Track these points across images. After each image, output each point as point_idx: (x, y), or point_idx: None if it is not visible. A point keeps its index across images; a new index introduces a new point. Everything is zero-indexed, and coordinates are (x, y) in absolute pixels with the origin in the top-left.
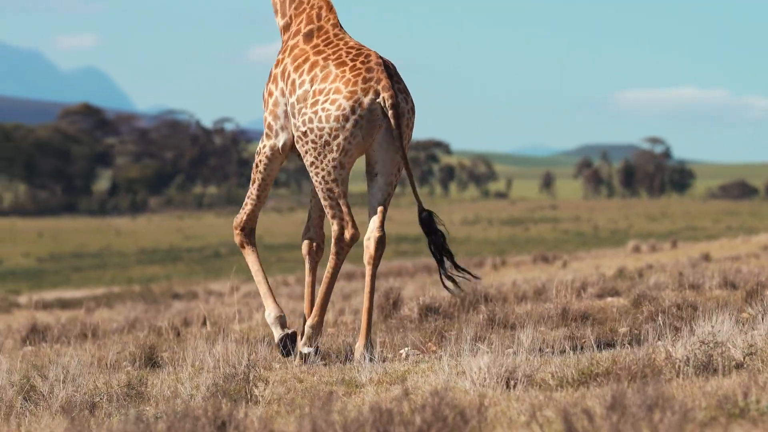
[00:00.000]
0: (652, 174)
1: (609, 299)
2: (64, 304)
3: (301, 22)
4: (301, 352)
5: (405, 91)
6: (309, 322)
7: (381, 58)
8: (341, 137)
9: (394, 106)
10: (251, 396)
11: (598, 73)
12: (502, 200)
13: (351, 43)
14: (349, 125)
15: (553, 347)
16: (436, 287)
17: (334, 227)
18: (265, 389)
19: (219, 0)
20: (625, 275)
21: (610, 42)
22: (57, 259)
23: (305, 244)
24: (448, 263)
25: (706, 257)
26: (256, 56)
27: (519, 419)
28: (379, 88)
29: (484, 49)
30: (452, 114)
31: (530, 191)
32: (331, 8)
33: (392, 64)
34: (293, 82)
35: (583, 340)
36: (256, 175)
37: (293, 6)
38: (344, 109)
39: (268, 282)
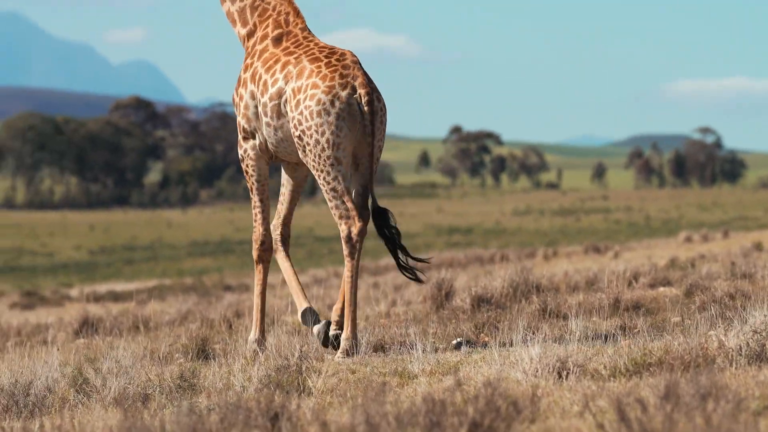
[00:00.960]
0: (703, 164)
1: (661, 289)
2: (115, 297)
3: (267, 27)
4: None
5: (377, 91)
6: (345, 334)
7: (355, 56)
8: (328, 132)
9: (369, 103)
10: (304, 387)
11: (649, 63)
12: (554, 191)
13: (321, 44)
14: (331, 119)
15: (605, 337)
16: (488, 278)
17: (343, 228)
18: (317, 380)
19: None
20: (677, 265)
21: (661, 32)
22: (108, 251)
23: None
24: (401, 256)
25: (758, 247)
26: None
27: (572, 409)
28: (356, 84)
29: (536, 40)
30: (503, 105)
31: (581, 182)
32: (298, 13)
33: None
34: (265, 82)
35: (636, 330)
36: (251, 183)
37: (256, 14)
38: (324, 103)
39: (264, 309)
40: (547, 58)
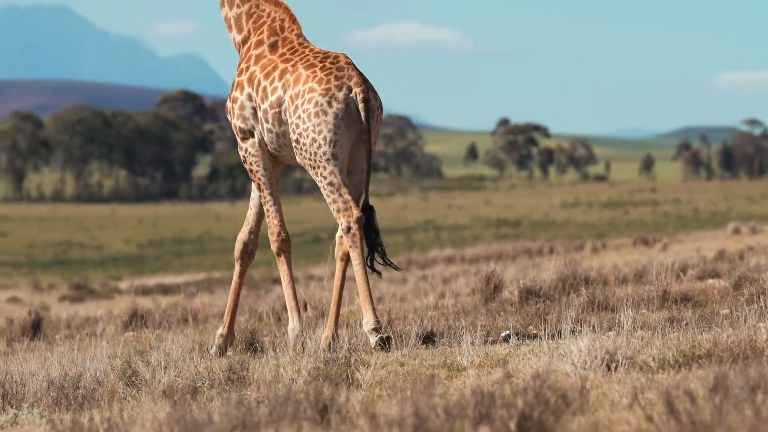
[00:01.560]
0: (752, 156)
1: (710, 281)
2: (164, 290)
3: (261, 33)
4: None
5: (374, 90)
6: (369, 322)
7: (349, 58)
8: (326, 130)
9: (365, 101)
10: (353, 380)
11: (696, 54)
12: (602, 183)
13: (316, 50)
14: (329, 118)
15: (654, 329)
16: (536, 270)
17: (342, 221)
18: (366, 373)
19: None
20: (726, 257)
21: (708, 23)
22: (157, 245)
23: (241, 247)
24: (377, 257)
25: None
26: (355, 40)
27: (621, 402)
28: (351, 84)
29: (584, 32)
30: (551, 97)
31: (629, 174)
32: (294, 20)
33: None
34: (264, 89)
35: (684, 322)
36: (258, 179)
37: (251, 21)
38: (321, 104)
39: (296, 296)
40: (596, 50)
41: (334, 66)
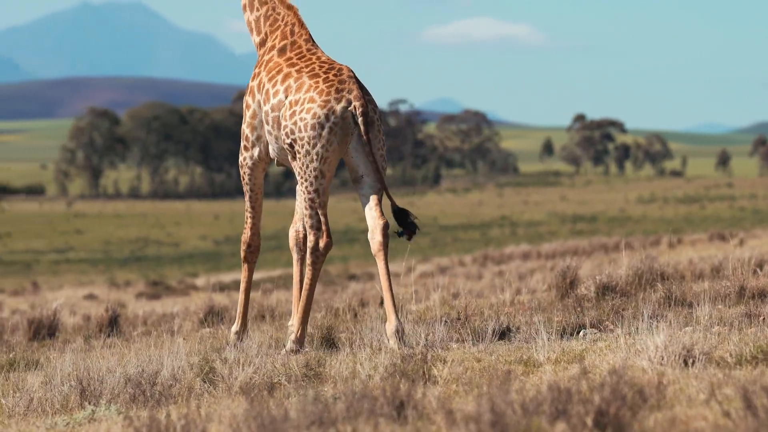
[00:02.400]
0: None
1: None
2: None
3: (276, 38)
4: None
5: (373, 103)
6: (292, 336)
7: (352, 71)
8: (319, 145)
9: (363, 114)
10: (429, 376)
11: None
12: (678, 178)
13: (323, 58)
14: (324, 132)
15: (730, 325)
16: (612, 266)
17: (310, 237)
18: (443, 369)
19: None
20: None
21: None
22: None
23: (293, 235)
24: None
25: None
26: (430, 36)
27: (698, 397)
28: (351, 97)
29: (659, 27)
30: (627, 92)
31: (706, 169)
32: (302, 25)
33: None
34: (267, 91)
35: (762, 318)
36: (245, 189)
37: (268, 23)
38: (319, 117)
39: (248, 303)
40: (671, 45)
41: (337, 78)
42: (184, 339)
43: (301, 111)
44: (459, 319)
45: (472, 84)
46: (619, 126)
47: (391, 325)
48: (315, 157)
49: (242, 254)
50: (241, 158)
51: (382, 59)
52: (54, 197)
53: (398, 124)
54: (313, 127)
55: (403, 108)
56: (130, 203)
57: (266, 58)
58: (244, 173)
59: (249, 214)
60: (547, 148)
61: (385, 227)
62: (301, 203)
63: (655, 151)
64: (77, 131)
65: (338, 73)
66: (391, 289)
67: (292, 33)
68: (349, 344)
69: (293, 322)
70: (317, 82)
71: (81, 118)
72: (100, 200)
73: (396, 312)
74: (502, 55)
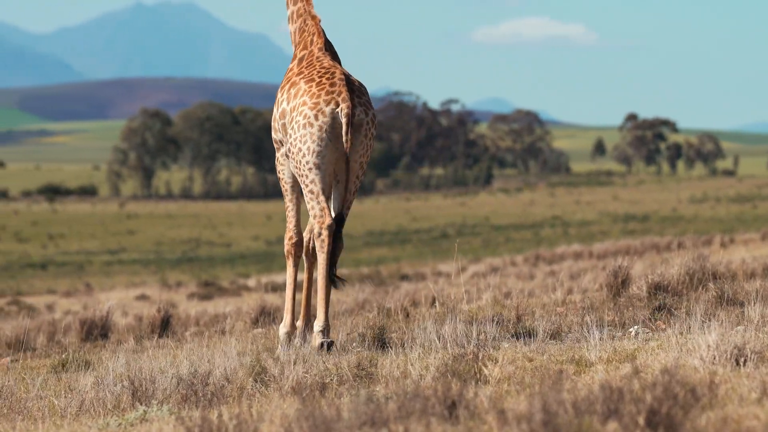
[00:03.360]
0: None
1: None
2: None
3: (300, 48)
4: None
5: (366, 105)
6: (320, 323)
7: (346, 76)
8: (309, 141)
9: (348, 116)
10: (481, 375)
11: None
12: (730, 178)
13: (325, 64)
14: (314, 130)
15: None
16: (664, 265)
17: (315, 226)
18: (494, 368)
19: None
20: None
21: None
22: None
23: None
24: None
25: None
26: (481, 36)
27: (750, 396)
28: (339, 99)
29: (712, 25)
30: (679, 92)
31: (758, 168)
32: (319, 34)
33: (358, 82)
34: (279, 101)
35: None
36: (282, 185)
37: (299, 35)
38: (308, 117)
39: (295, 298)
40: (723, 44)
41: (328, 82)
42: (236, 339)
43: (296, 115)
44: (511, 319)
45: (523, 84)
46: (671, 125)
47: (319, 323)
48: (306, 152)
49: (285, 248)
50: (275, 158)
51: (434, 59)
52: (106, 198)
53: (450, 123)
54: (303, 126)
55: (455, 108)
56: (182, 204)
57: (290, 66)
58: (279, 170)
59: (289, 210)
60: (599, 148)
61: (331, 229)
62: (308, 201)
63: (707, 151)
64: (129, 132)
65: (330, 77)
66: (327, 292)
67: (311, 43)
68: (401, 344)
69: (298, 323)
70: (311, 87)
71: (133, 118)
72: (152, 201)
73: (325, 314)
74: (553, 55)
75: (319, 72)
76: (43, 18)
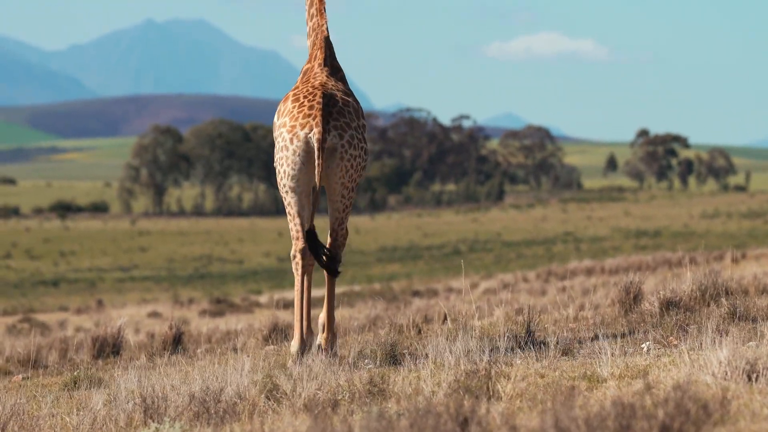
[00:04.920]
0: None
1: None
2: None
3: (309, 62)
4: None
5: (343, 128)
6: (294, 344)
7: (329, 96)
8: (286, 164)
9: (318, 141)
10: (493, 392)
11: None
12: (741, 193)
13: (316, 83)
14: (289, 153)
15: None
16: (676, 281)
17: (292, 248)
18: (506, 385)
19: None
20: None
21: None
22: None
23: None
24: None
25: None
26: (493, 52)
27: (762, 412)
28: (313, 123)
29: (722, 41)
30: (691, 107)
31: None
32: (321, 48)
33: (343, 101)
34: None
35: None
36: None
37: (312, 49)
38: (285, 140)
39: (302, 316)
40: (734, 59)
41: (308, 105)
42: (247, 356)
43: (278, 135)
44: (523, 334)
45: (535, 99)
46: (682, 141)
47: (324, 335)
48: (284, 174)
49: (293, 267)
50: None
51: (446, 75)
52: (118, 215)
53: (461, 139)
54: (282, 149)
55: (466, 124)
56: (193, 221)
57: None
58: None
59: (292, 227)
60: (611, 164)
61: (327, 249)
62: (288, 221)
63: (718, 166)
64: (141, 149)
65: (311, 99)
66: (301, 307)
67: (314, 57)
68: (413, 360)
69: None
70: (293, 107)
71: (145, 135)
72: (164, 218)
73: (299, 331)
74: (565, 71)
75: (306, 92)
76: (55, 35)
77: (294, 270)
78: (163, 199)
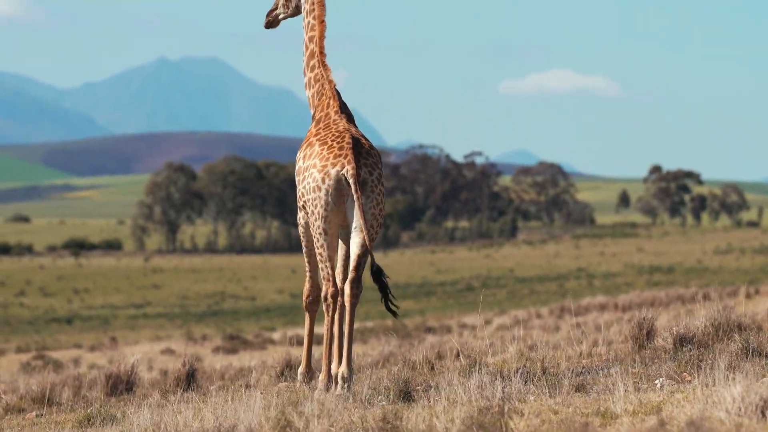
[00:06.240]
0: None
1: None
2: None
3: (319, 110)
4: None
5: (372, 166)
6: (323, 379)
7: (356, 139)
8: (319, 205)
9: (353, 176)
10: (506, 428)
11: None
12: (754, 229)
13: (340, 128)
14: (321, 194)
15: None
16: (689, 317)
17: (323, 287)
18: (519, 422)
19: (467, 33)
20: None
21: None
22: None
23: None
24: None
25: None
26: (506, 89)
27: None
28: (345, 161)
29: (734, 78)
30: (703, 143)
31: None
32: (334, 97)
33: (369, 144)
34: (298, 159)
35: None
36: (303, 246)
37: (318, 98)
38: (317, 180)
39: (311, 347)
40: (746, 95)
41: (338, 146)
42: (261, 393)
43: (308, 176)
44: (537, 371)
45: (547, 136)
46: (695, 177)
47: (344, 368)
48: (317, 216)
49: (304, 305)
50: (297, 217)
51: (459, 112)
52: (131, 252)
53: (474, 176)
54: (314, 190)
55: (479, 160)
56: (206, 258)
57: (309, 128)
58: (300, 233)
59: (308, 270)
60: (624, 200)
61: (356, 281)
62: (319, 262)
63: (731, 202)
64: (154, 186)
65: (340, 141)
66: (351, 338)
67: (328, 106)
68: (426, 397)
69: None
70: (322, 149)
71: (158, 173)
72: (177, 255)
73: (349, 358)
74: (577, 107)
75: (332, 135)
76: (68, 73)
77: (325, 310)
78: (176, 237)
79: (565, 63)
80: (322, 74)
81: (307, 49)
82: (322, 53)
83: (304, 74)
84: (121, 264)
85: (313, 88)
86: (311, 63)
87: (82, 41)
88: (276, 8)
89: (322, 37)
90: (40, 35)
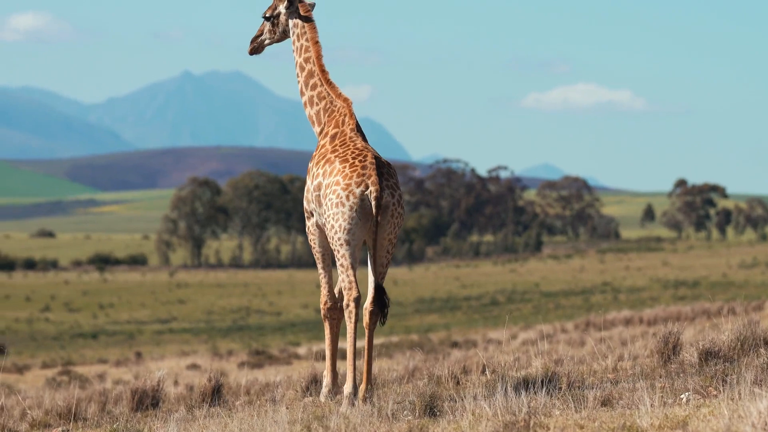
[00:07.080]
0: None
1: None
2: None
3: (331, 126)
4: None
5: (393, 187)
6: (348, 387)
7: (377, 159)
8: (341, 219)
9: (376, 198)
10: None
11: None
12: None
13: (359, 146)
14: (346, 210)
15: None
16: (715, 331)
17: (345, 297)
18: None
19: (492, 47)
20: None
21: None
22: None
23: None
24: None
25: None
26: (531, 103)
27: None
28: (369, 182)
29: (757, 91)
30: (729, 157)
31: None
32: (351, 115)
33: (387, 164)
34: (315, 175)
35: None
36: (314, 253)
37: (327, 114)
38: (341, 197)
39: (334, 359)
40: None
41: (360, 164)
42: (286, 408)
43: (330, 192)
44: (562, 386)
45: (572, 150)
46: (720, 191)
47: (362, 386)
48: (338, 229)
49: (322, 313)
50: (306, 227)
51: (484, 126)
52: (156, 267)
53: (498, 190)
54: (336, 206)
55: (504, 174)
56: (231, 273)
57: (321, 142)
58: (311, 240)
59: (322, 276)
60: (649, 214)
61: (372, 314)
62: (339, 273)
63: (756, 216)
64: (179, 201)
65: (363, 160)
66: (370, 354)
67: (343, 123)
68: (451, 412)
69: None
70: (344, 167)
71: (182, 188)
72: (202, 270)
73: (369, 375)
74: (602, 121)
75: (353, 153)
76: (93, 88)
77: (347, 318)
78: (201, 252)
79: (590, 77)
80: (327, 92)
81: (302, 69)
82: (323, 72)
83: (302, 93)
84: (146, 279)
85: (317, 105)
86: (311, 82)
87: (107, 56)
88: (261, 34)
89: (319, 57)
90: (66, 50)
